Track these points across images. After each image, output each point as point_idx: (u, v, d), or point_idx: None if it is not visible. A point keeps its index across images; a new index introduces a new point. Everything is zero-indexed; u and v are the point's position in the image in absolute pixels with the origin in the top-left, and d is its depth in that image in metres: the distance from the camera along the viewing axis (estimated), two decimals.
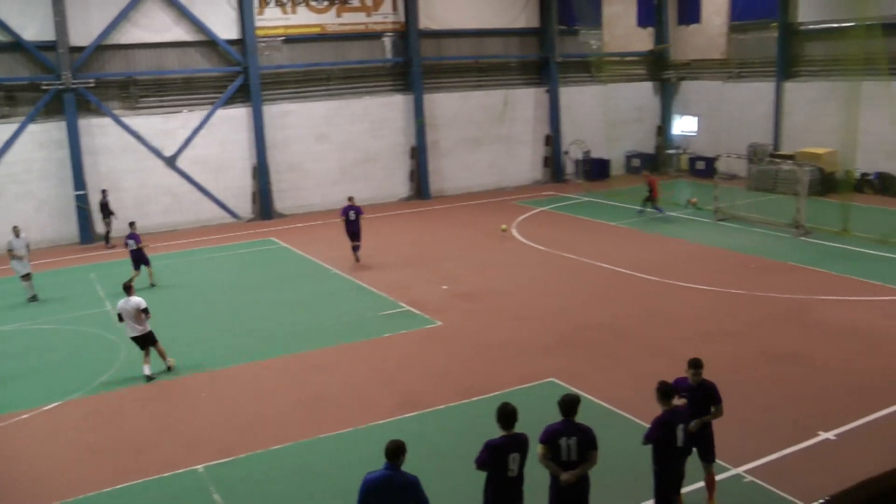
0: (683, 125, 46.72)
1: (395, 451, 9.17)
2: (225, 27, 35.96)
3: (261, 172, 36.85)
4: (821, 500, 2.37)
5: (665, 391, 10.76)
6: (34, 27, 32.53)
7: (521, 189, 42.33)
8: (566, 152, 44.12)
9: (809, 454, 13.26)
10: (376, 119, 39.63)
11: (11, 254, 25.14)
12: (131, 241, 25.96)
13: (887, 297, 21.63)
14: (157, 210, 35.21)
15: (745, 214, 32.02)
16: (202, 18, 35.35)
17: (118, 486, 13.21)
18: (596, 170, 43.80)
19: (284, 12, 37.14)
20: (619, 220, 33.19)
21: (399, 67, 40.27)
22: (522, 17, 42.85)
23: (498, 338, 19.78)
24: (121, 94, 34.82)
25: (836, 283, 23.25)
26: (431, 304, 22.79)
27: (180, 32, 35.30)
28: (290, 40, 37.51)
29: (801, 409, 15.02)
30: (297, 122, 37.86)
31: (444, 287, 24.53)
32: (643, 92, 46.95)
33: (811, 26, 39.07)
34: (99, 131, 34.12)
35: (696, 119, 45.90)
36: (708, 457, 11.69)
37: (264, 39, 36.80)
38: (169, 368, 18.55)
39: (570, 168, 44.43)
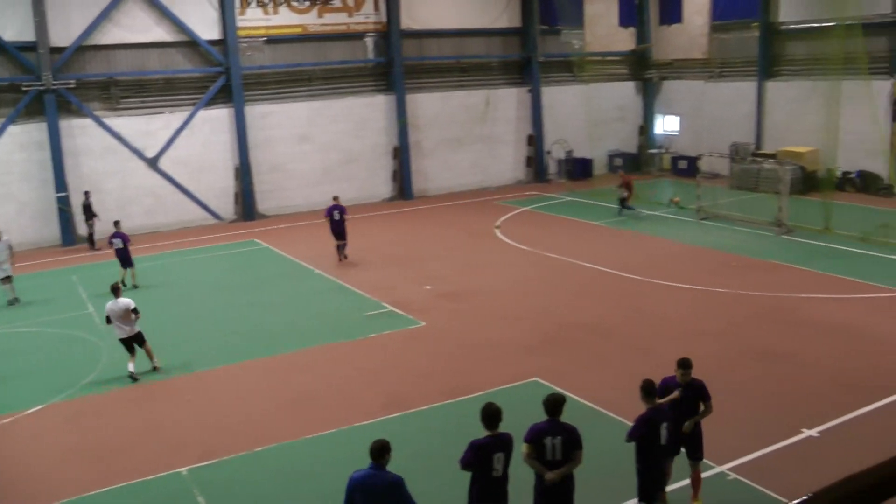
0: (666, 124, 46.85)
1: (380, 451, 9.19)
2: (206, 27, 35.84)
3: (243, 173, 36.75)
4: (803, 497, 2.37)
5: (649, 389, 10.80)
6: (14, 28, 32.31)
7: (504, 189, 42.34)
8: (549, 152, 44.16)
9: (793, 452, 13.34)
10: (358, 119, 39.58)
11: None
12: (117, 240, 25.89)
13: (869, 295, 21.77)
14: (140, 211, 35.02)
15: (728, 213, 32.15)
16: (183, 18, 35.21)
17: (101, 490, 13.14)
18: (578, 169, 43.83)
19: (266, 13, 37.03)
20: (603, 219, 33.26)
21: (381, 68, 40.23)
22: (504, 16, 42.88)
23: (482, 338, 19.79)
24: (102, 94, 34.64)
25: (818, 280, 23.38)
26: (415, 304, 22.78)
27: (161, 33, 35.15)
28: (272, 41, 37.41)
29: (784, 406, 15.10)
30: (279, 122, 37.77)
31: (428, 287, 24.52)
32: (625, 91, 47.04)
33: (792, 26, 39.26)
34: (80, 132, 33.93)
35: (678, 118, 46.04)
36: (696, 455, 11.74)
37: (246, 40, 36.69)
38: (155, 369, 18.50)
39: (552, 168, 44.47)
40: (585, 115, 43.59)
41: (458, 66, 42.17)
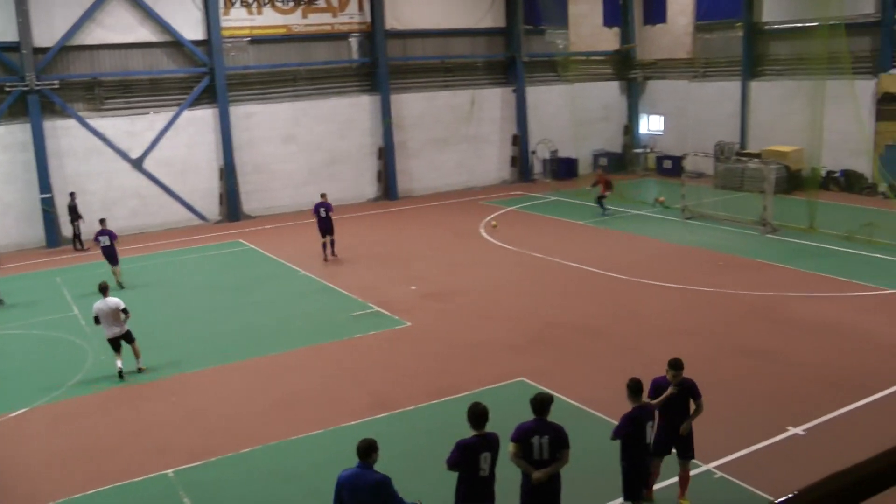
0: (650, 124, 46.96)
1: (367, 450, 9.20)
2: (190, 28, 35.72)
3: (228, 174, 36.65)
4: (789, 495, 2.38)
5: (636, 388, 10.84)
6: None
7: (489, 189, 42.35)
8: (534, 152, 44.22)
9: (779, 449, 13.39)
10: (343, 120, 39.53)
11: None
12: (104, 237, 25.90)
13: (854, 293, 21.88)
14: (124, 213, 34.83)
15: (713, 212, 32.24)
16: (167, 18, 35.08)
17: (87, 492, 13.09)
18: (563, 169, 43.86)
19: (250, 13, 36.95)
20: (587, 219, 33.31)
21: (365, 68, 40.20)
22: (488, 16, 42.89)
23: (467, 338, 19.79)
24: (86, 95, 34.48)
25: (803, 279, 23.48)
26: (401, 304, 22.77)
27: (145, 33, 35.02)
28: (256, 41, 37.33)
29: (770, 405, 15.16)
30: (263, 123, 37.69)
31: (413, 287, 24.51)
32: (610, 91, 47.13)
33: (776, 26, 39.42)
34: (64, 133, 33.76)
35: (662, 118, 46.17)
36: (687, 454, 11.78)
37: (230, 40, 36.60)
38: (140, 370, 18.43)
39: (537, 167, 44.53)
40: (570, 115, 43.63)
41: (442, 66, 42.17)
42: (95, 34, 34.10)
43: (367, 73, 40.22)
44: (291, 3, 37.68)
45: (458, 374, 17.49)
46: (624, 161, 46.13)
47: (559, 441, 10.03)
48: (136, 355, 18.48)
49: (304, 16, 38.08)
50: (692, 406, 11.70)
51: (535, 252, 27.93)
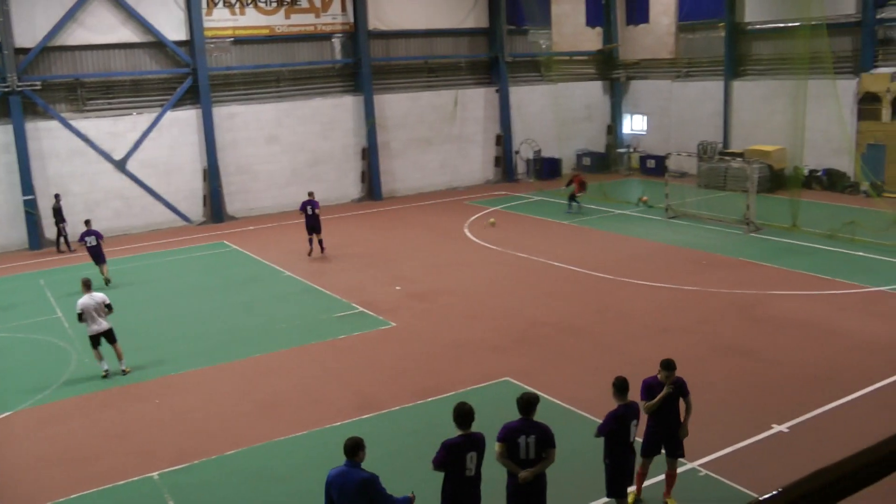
0: (633, 124, 47.08)
1: (353, 448, 9.22)
2: (173, 28, 35.58)
3: (211, 175, 36.53)
4: (773, 492, 2.40)
5: (622, 386, 10.90)
6: None
7: (473, 189, 42.38)
8: (517, 152, 44.26)
9: (763, 447, 13.46)
10: (326, 120, 39.48)
11: None
12: (90, 238, 25.91)
13: (837, 291, 22.00)
14: (108, 214, 34.67)
15: (696, 212, 32.37)
16: (149, 19, 34.94)
17: (72, 496, 13.02)
18: (547, 169, 43.93)
19: (233, 13, 36.85)
20: (571, 218, 33.36)
21: (348, 68, 40.16)
22: (471, 17, 42.91)
23: (452, 338, 19.80)
24: (68, 96, 34.31)
25: (786, 277, 23.59)
26: (385, 305, 22.76)
27: (128, 33, 34.86)
28: (239, 41, 37.24)
29: (754, 402, 15.24)
30: (246, 123, 37.58)
31: (398, 288, 24.50)
32: (593, 91, 47.24)
33: (758, 26, 39.63)
34: (46, 135, 33.57)
35: (645, 118, 46.30)
36: (676, 453, 11.82)
37: (213, 40, 36.48)
38: (124, 372, 18.36)
39: (521, 167, 44.58)
40: (553, 115, 43.75)
41: (425, 66, 42.18)
42: (77, 35, 33.93)
43: (350, 73, 40.19)
44: (274, 4, 37.61)
45: (443, 374, 17.50)
46: (607, 161, 46.22)
47: (545, 440, 10.05)
48: (119, 357, 18.42)
49: (287, 16, 38.01)
50: (682, 404, 11.74)
51: (520, 252, 27.96)
